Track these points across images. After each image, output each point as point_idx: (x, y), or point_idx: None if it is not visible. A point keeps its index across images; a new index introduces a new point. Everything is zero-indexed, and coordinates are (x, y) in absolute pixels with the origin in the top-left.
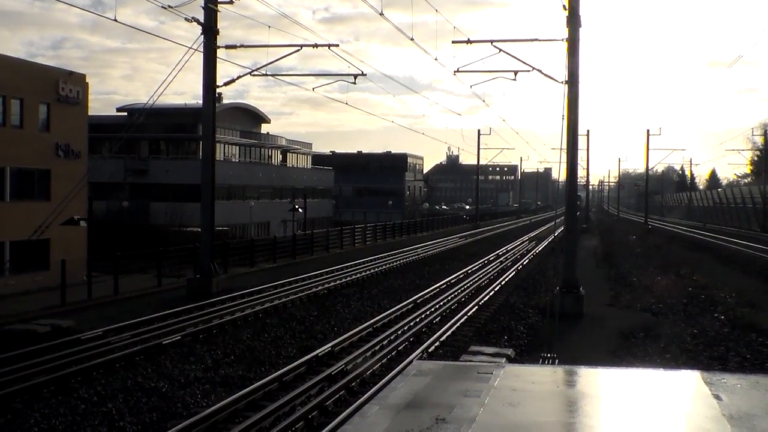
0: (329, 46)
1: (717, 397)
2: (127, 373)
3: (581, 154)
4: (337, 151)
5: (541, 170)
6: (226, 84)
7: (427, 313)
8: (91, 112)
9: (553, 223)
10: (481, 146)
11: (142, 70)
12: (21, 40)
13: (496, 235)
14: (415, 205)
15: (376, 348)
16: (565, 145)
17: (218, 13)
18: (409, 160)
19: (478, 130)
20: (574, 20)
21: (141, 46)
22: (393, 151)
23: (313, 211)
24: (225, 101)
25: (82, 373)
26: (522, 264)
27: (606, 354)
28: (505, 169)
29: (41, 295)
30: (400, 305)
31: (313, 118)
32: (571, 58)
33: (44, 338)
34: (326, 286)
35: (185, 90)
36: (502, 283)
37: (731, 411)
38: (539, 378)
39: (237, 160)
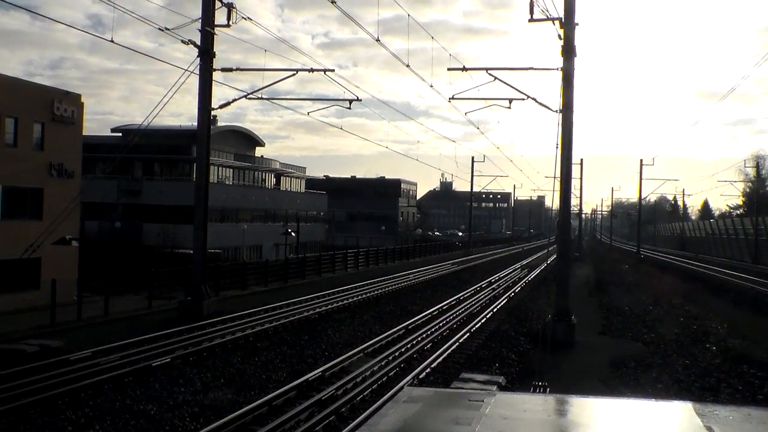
0: (325, 71)
1: (709, 429)
2: (116, 395)
3: (575, 183)
4: (332, 175)
5: (535, 198)
6: (221, 107)
7: (419, 339)
8: (88, 133)
9: (545, 251)
10: (474, 173)
11: (139, 92)
12: (20, 60)
13: (488, 263)
14: (407, 230)
15: (367, 374)
16: (558, 174)
17: (215, 36)
18: (403, 185)
19: (472, 157)
20: (568, 50)
21: (139, 68)
22: (387, 177)
23: (306, 235)
24: (221, 124)
25: (69, 395)
26: (514, 291)
27: (597, 383)
28: (499, 196)
29: (30, 315)
30: (392, 331)
31: (308, 142)
32: (566, 88)
33: (32, 358)
34: (318, 310)
35: (182, 112)
36: (494, 310)
37: None
38: (530, 406)
39: (231, 183)
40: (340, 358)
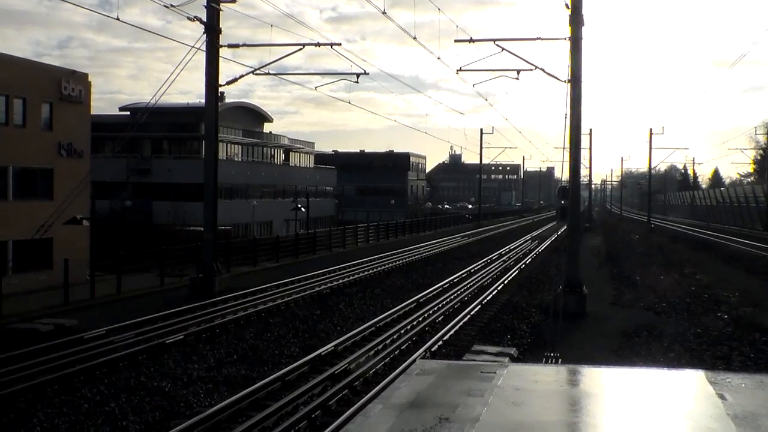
0: (332, 45)
1: (721, 396)
2: (130, 373)
3: (584, 153)
4: (340, 150)
5: (544, 169)
6: (228, 83)
7: (430, 312)
8: (96, 112)
9: (555, 222)
10: (483, 145)
11: (148, 70)
12: (27, 40)
13: (498, 235)
14: (417, 204)
15: (379, 347)
16: (567, 144)
17: (222, 12)
18: (412, 159)
19: (481, 129)
20: (576, 19)
21: (147, 46)
22: (396, 151)
23: (316, 211)
24: (229, 100)
25: (85, 373)
26: (525, 263)
27: (609, 353)
28: (508, 168)
29: (44, 295)
30: (403, 304)
31: (317, 117)
32: (574, 57)
33: (47, 337)
34: (329, 285)
35: (190, 89)
36: (505, 282)
37: (736, 411)
38: (543, 377)
39: (240, 159)
40: (352, 332)
